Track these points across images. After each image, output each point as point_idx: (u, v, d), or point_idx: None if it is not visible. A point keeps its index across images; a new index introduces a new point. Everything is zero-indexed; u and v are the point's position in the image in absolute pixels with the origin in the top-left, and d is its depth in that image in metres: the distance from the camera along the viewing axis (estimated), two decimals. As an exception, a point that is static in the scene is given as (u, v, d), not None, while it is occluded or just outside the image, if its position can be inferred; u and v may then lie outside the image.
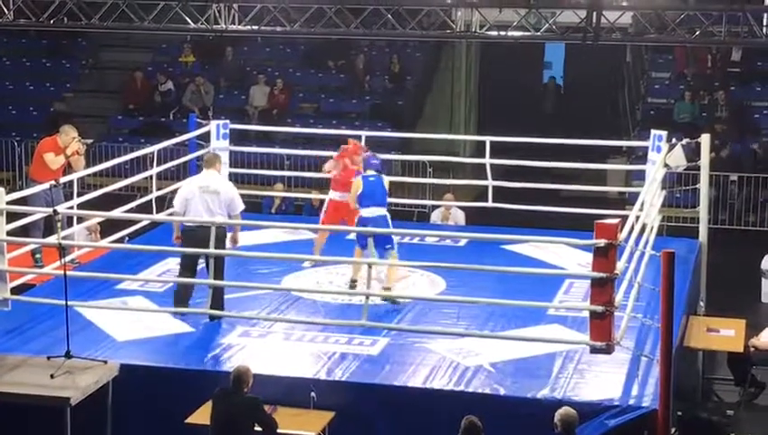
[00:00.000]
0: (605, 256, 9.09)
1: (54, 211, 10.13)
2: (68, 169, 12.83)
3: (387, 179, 11.84)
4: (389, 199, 12.01)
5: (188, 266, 10.95)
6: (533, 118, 23.80)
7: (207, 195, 10.88)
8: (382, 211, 11.61)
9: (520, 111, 23.40)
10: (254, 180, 16.83)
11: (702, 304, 12.89)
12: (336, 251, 12.37)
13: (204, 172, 11.22)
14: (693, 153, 13.32)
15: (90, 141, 13.22)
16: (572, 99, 25.28)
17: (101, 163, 13.82)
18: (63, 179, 12.19)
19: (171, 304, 10.91)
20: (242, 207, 11.12)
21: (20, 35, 23.39)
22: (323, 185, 15.37)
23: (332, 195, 12.81)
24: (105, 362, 9.52)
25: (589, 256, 9.37)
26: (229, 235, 11.06)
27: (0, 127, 21.41)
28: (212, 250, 10.42)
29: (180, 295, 10.90)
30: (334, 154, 13.04)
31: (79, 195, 12.49)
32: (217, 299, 10.72)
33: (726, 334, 11.44)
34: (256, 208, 16.43)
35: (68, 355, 9.42)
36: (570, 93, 25.65)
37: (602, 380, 9.50)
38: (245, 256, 11.59)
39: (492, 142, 14.22)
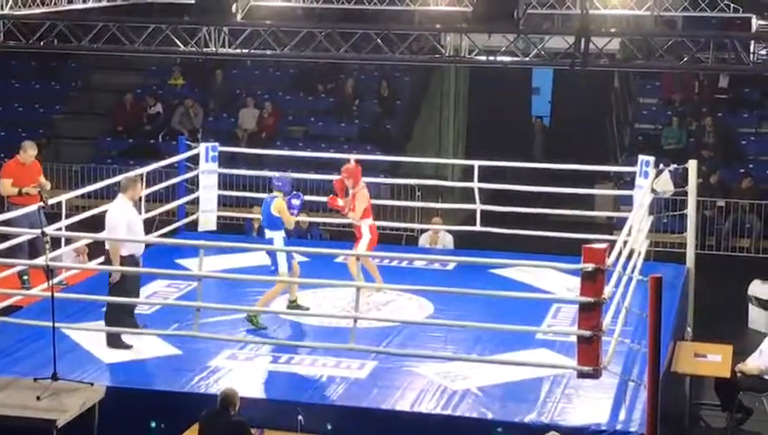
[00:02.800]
0: (593, 280, 9.12)
1: (43, 232, 10.12)
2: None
3: (276, 201, 11.41)
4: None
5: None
6: (522, 144, 23.82)
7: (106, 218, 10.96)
8: (270, 234, 11.56)
9: (509, 135, 23.40)
10: (242, 203, 16.82)
11: (689, 329, 12.91)
12: (325, 274, 12.35)
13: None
14: (680, 179, 13.37)
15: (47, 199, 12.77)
16: (560, 125, 25.30)
17: (90, 185, 13.79)
18: (51, 201, 12.16)
19: (159, 327, 10.90)
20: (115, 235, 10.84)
21: (10, 57, 23.37)
22: (312, 208, 15.38)
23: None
24: (92, 384, 9.49)
25: (577, 281, 9.39)
26: None
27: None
28: (203, 272, 10.42)
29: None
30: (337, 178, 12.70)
31: (67, 216, 12.47)
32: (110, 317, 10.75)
33: (713, 360, 11.44)
34: (244, 230, 16.41)
35: (54, 377, 9.39)
36: (557, 120, 25.68)
37: (590, 404, 9.50)
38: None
39: (480, 166, 14.26)
